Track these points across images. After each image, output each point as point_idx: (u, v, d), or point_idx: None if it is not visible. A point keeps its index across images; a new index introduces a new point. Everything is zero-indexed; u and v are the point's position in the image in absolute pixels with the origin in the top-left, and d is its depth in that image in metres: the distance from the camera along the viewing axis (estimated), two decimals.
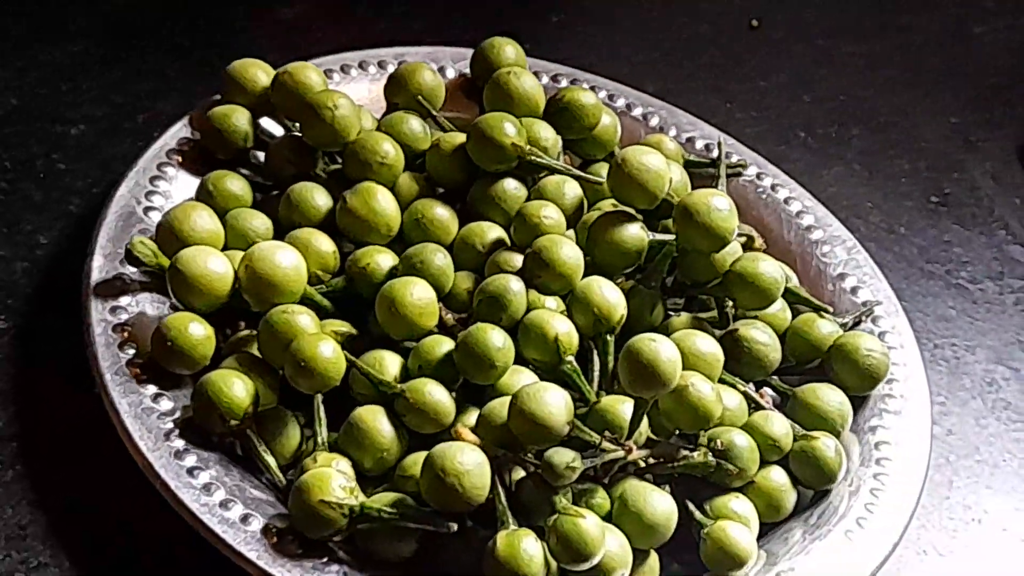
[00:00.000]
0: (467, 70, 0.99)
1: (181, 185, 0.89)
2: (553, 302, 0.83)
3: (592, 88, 1.00)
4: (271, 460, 0.78)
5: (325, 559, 0.73)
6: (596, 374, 0.81)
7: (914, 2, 1.28)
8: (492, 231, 0.86)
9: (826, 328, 0.88)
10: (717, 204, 0.83)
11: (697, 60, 1.17)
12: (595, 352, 0.82)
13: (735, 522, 0.79)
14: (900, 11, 1.26)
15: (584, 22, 1.18)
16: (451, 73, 1.00)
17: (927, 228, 1.07)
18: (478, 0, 1.14)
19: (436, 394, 0.78)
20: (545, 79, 1.00)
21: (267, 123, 0.93)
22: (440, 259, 0.83)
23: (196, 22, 1.09)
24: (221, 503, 0.74)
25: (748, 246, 0.90)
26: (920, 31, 1.25)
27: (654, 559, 0.78)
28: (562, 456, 0.74)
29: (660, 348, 0.75)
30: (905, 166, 1.11)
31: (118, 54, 1.05)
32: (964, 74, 1.22)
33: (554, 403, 0.75)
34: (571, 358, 0.80)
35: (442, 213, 0.86)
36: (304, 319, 0.79)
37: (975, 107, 1.18)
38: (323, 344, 0.77)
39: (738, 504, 0.80)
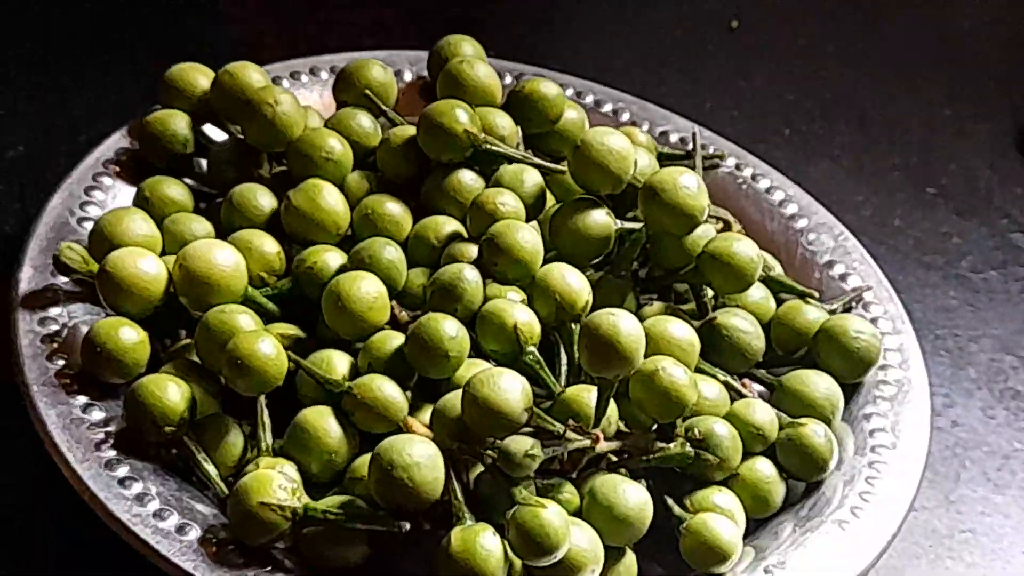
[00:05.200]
0: (425, 72, 0.94)
1: (118, 196, 0.84)
2: (515, 295, 0.78)
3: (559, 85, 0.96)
4: (211, 469, 0.72)
5: (269, 568, 0.68)
6: (563, 367, 0.76)
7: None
8: (448, 225, 0.81)
9: (812, 314, 0.83)
10: (684, 182, 0.78)
11: (671, 64, 1.13)
12: (560, 343, 0.76)
13: (716, 514, 0.73)
14: (881, 10, 1.22)
15: (548, 28, 1.14)
16: (408, 76, 0.95)
17: (923, 220, 1.03)
18: (435, 10, 1.10)
19: (386, 389, 0.73)
20: (508, 79, 0.95)
21: (210, 130, 0.88)
22: (390, 252, 0.78)
23: (138, 46, 1.06)
24: (155, 513, 0.69)
25: (724, 231, 0.84)
26: (903, 28, 1.21)
27: (631, 559, 0.72)
28: (520, 444, 0.69)
29: (619, 322, 0.70)
30: (896, 159, 1.07)
31: (58, 78, 1.02)
32: (952, 68, 1.18)
33: (510, 388, 0.69)
34: (533, 348, 0.74)
35: (394, 208, 0.81)
36: (243, 319, 0.74)
37: (967, 98, 1.14)
38: (262, 341, 0.72)
39: (721, 498, 0.75)
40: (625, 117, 0.96)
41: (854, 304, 0.86)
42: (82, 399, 0.73)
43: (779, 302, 0.85)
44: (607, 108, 0.97)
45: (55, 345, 0.75)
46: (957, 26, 1.22)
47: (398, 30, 1.08)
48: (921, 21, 1.22)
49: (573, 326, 0.76)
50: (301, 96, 0.89)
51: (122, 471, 0.70)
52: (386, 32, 1.07)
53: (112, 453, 0.71)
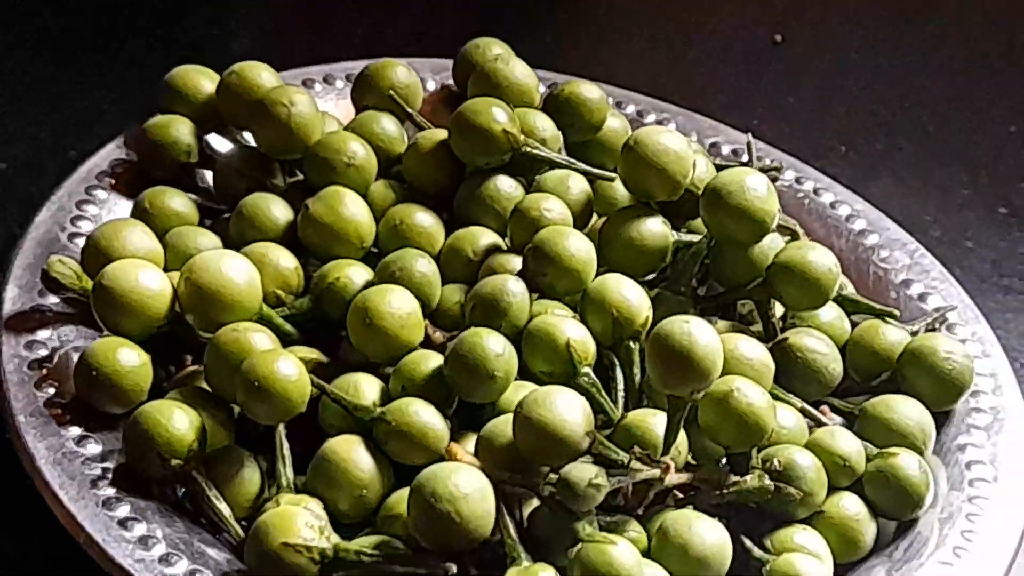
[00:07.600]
0: (450, 81, 0.86)
1: (114, 210, 0.77)
2: (562, 311, 0.69)
3: None
4: (225, 509, 0.63)
5: None
6: (620, 392, 0.67)
7: (948, 9, 1.18)
8: (485, 236, 0.73)
9: (894, 335, 0.75)
10: (752, 183, 0.71)
11: (714, 78, 1.07)
12: (617, 364, 0.68)
13: (803, 553, 0.64)
14: (930, 20, 1.17)
15: (586, 35, 1.07)
16: (432, 86, 0.87)
17: (998, 241, 0.95)
18: (463, 11, 1.03)
19: (424, 415, 0.64)
20: (542, 88, 0.87)
21: (215, 141, 0.80)
22: (423, 265, 0.70)
23: (132, 56, 0.99)
24: (161, 558, 0.60)
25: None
26: (961, 43, 1.15)
27: None
28: (582, 472, 0.60)
29: (694, 330, 0.61)
30: (963, 177, 1.00)
31: (46, 89, 0.95)
32: (1016, 82, 1.10)
33: (569, 409, 0.61)
34: (588, 369, 0.66)
35: (425, 219, 0.73)
36: (259, 337, 0.66)
37: None
38: (281, 361, 0.63)
39: (805, 537, 0.66)
40: (671, 128, 0.88)
41: (938, 325, 0.78)
42: (76, 430, 0.65)
43: (852, 325, 0.76)
44: (651, 119, 0.89)
45: (44, 371, 0.67)
46: (1018, 40, 1.15)
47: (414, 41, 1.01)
48: (978, 34, 1.16)
49: (632, 345, 0.67)
50: None
51: (123, 511, 0.62)
52: (399, 41, 1.00)
53: (111, 491, 0.63)
